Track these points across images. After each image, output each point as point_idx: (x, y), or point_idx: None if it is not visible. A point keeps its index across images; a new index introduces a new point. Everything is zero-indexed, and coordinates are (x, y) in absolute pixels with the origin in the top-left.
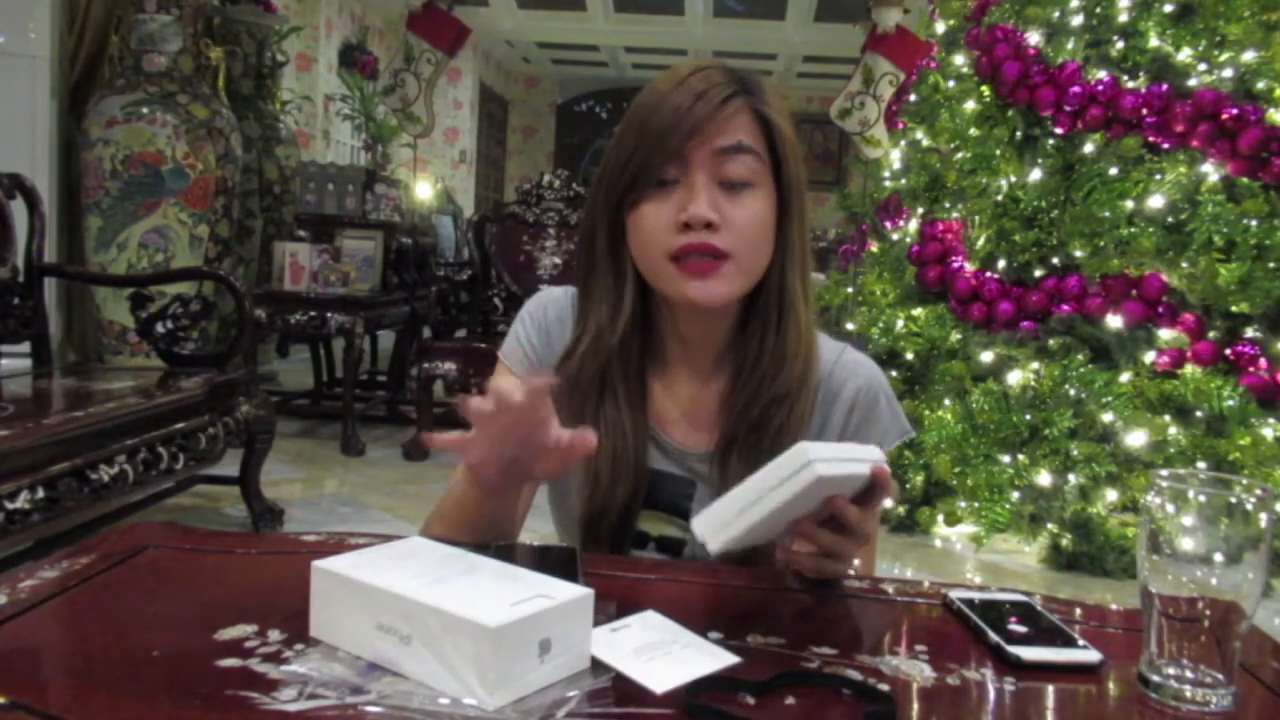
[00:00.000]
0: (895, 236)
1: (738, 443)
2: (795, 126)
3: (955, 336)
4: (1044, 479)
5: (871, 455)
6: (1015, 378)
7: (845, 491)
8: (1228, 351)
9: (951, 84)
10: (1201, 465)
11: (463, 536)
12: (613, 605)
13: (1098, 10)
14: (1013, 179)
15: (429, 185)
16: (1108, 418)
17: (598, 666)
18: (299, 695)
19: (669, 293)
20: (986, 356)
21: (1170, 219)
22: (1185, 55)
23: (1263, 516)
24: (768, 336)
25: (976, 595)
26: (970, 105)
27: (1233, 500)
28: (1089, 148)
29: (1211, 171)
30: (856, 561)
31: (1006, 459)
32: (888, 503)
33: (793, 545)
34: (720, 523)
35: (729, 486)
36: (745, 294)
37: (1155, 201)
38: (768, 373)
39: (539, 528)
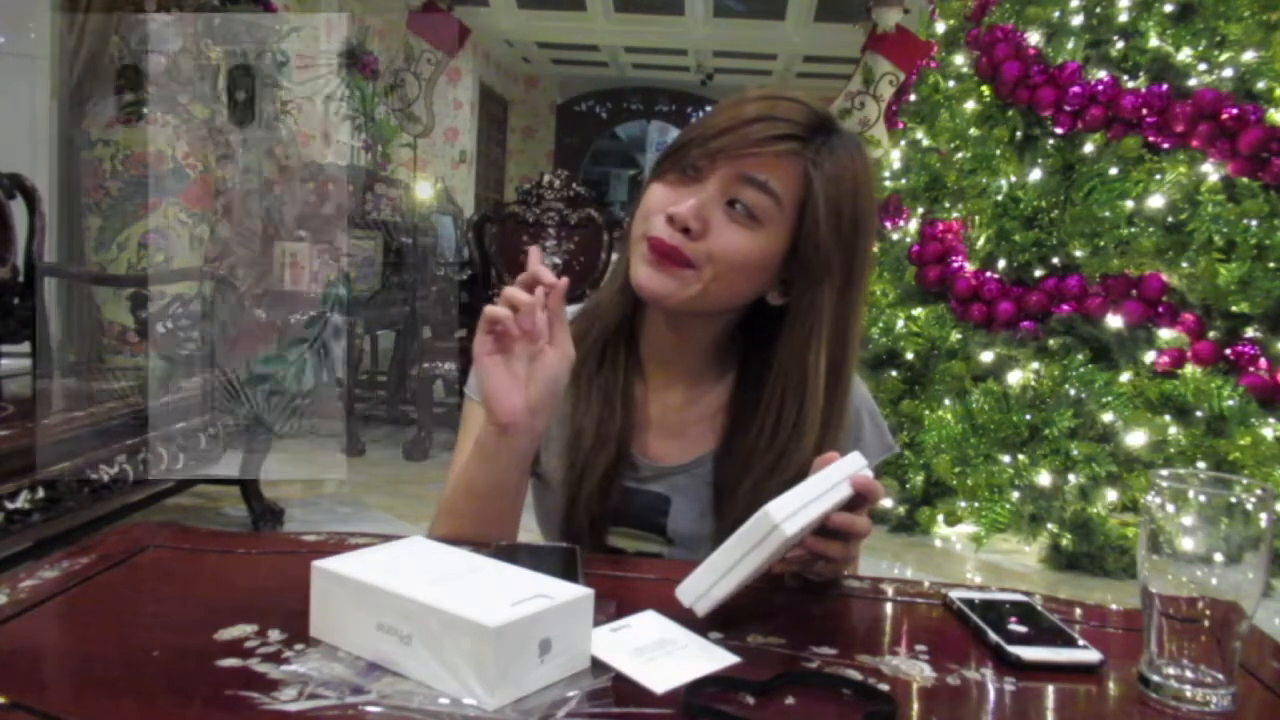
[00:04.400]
0: (895, 236)
1: (733, 459)
2: (863, 200)
3: (955, 336)
4: (1044, 479)
5: (851, 467)
6: (1015, 378)
7: (830, 512)
8: (1228, 351)
9: (951, 84)
10: (1201, 465)
11: (471, 524)
12: (613, 605)
13: (1098, 10)
14: (1013, 179)
15: (429, 185)
16: (1108, 418)
17: (598, 666)
18: (299, 695)
19: (630, 271)
20: (986, 356)
21: (1170, 219)
22: (1185, 55)
23: (1263, 516)
24: (786, 412)
25: (976, 595)
26: (970, 105)
27: (1233, 500)
28: (1089, 148)
29: (1211, 171)
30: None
31: (1006, 459)
32: (886, 502)
33: (791, 554)
34: (699, 592)
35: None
36: (694, 311)
37: (1155, 201)
38: (786, 448)
39: (539, 528)
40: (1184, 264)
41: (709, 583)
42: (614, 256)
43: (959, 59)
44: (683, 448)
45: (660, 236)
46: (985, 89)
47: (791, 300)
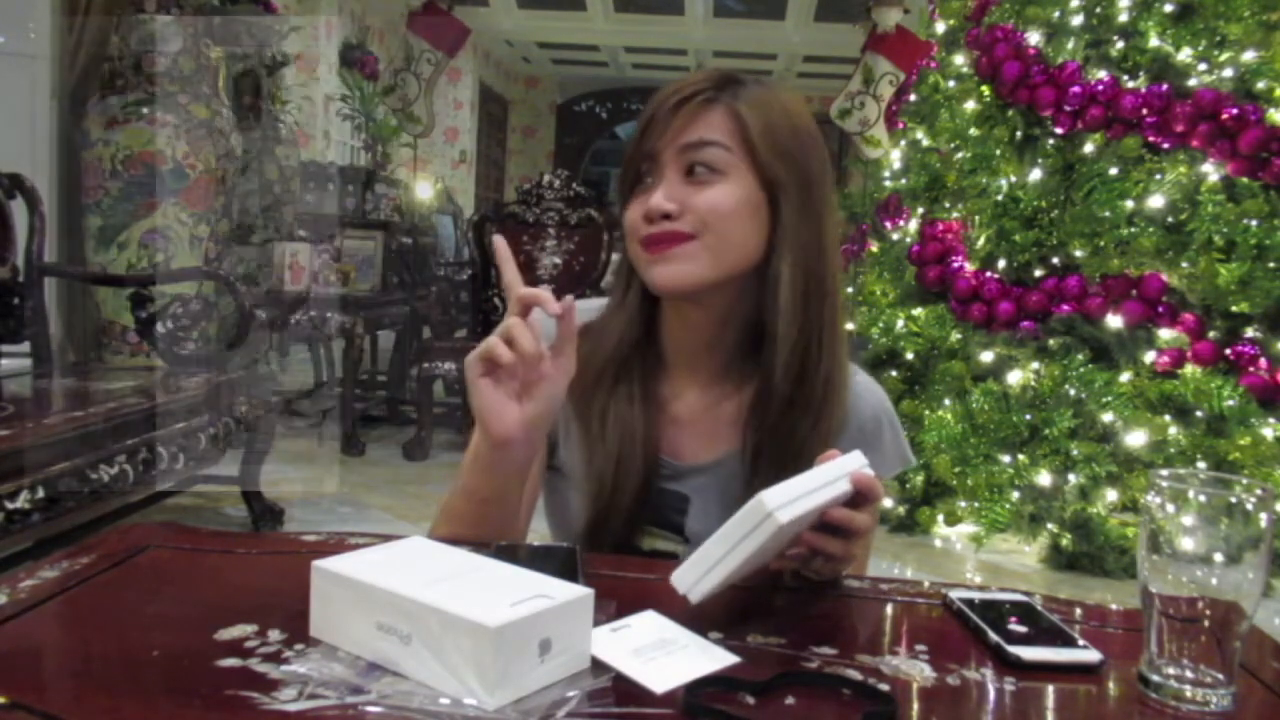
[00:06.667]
0: (895, 236)
1: (763, 454)
2: (797, 119)
3: (955, 336)
4: (1044, 479)
5: (851, 465)
6: (1015, 378)
7: (829, 506)
8: (1228, 351)
9: (951, 84)
10: (1201, 465)
11: (472, 528)
12: (613, 605)
13: (1098, 10)
14: (1013, 179)
15: (429, 185)
16: (1108, 418)
17: (598, 666)
18: (299, 695)
19: (645, 281)
20: (986, 356)
21: (1170, 219)
22: (1185, 55)
23: (1263, 516)
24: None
25: (976, 595)
26: (970, 105)
27: (1233, 500)
28: (1089, 148)
29: (1211, 171)
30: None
31: (1006, 459)
32: (886, 502)
33: (790, 551)
34: (693, 579)
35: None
36: (716, 282)
37: (1155, 201)
38: (790, 364)
39: (541, 527)
40: (1184, 264)
41: (703, 570)
42: (614, 257)
43: (959, 59)
44: (705, 447)
45: (649, 233)
46: (985, 89)
47: (773, 230)
